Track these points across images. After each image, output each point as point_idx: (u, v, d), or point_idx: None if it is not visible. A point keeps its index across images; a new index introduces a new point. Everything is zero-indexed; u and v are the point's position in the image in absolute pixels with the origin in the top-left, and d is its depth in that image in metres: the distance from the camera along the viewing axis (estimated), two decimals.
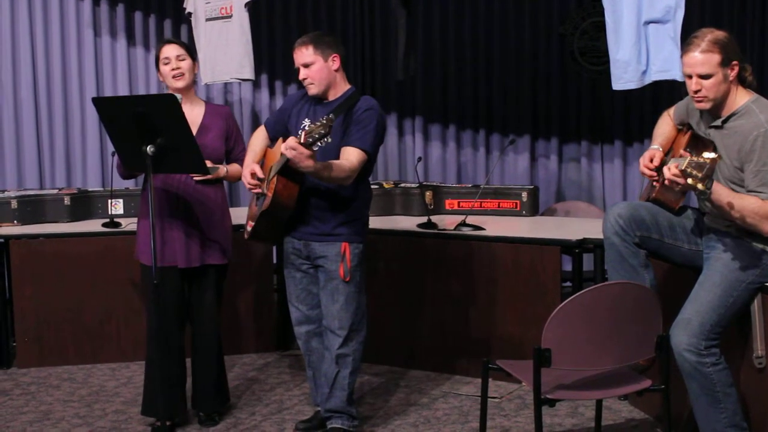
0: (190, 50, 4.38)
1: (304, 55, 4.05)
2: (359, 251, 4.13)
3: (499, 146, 7.19)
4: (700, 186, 3.13)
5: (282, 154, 3.83)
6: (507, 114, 7.22)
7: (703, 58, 3.45)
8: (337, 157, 3.95)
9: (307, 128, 3.72)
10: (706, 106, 3.54)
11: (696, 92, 3.51)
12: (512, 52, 7.16)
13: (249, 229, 4.22)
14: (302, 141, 3.67)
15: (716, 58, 3.44)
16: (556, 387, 3.44)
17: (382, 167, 7.20)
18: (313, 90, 4.08)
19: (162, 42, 4.43)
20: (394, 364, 5.37)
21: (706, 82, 3.47)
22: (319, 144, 3.75)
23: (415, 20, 6.92)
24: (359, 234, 4.14)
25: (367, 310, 4.23)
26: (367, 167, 4.07)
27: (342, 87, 4.13)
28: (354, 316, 4.13)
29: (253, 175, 4.04)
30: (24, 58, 6.51)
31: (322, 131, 3.64)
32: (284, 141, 3.86)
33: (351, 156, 3.94)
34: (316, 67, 4.04)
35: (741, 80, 3.56)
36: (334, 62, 4.07)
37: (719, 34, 3.48)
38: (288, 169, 3.88)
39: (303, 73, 4.07)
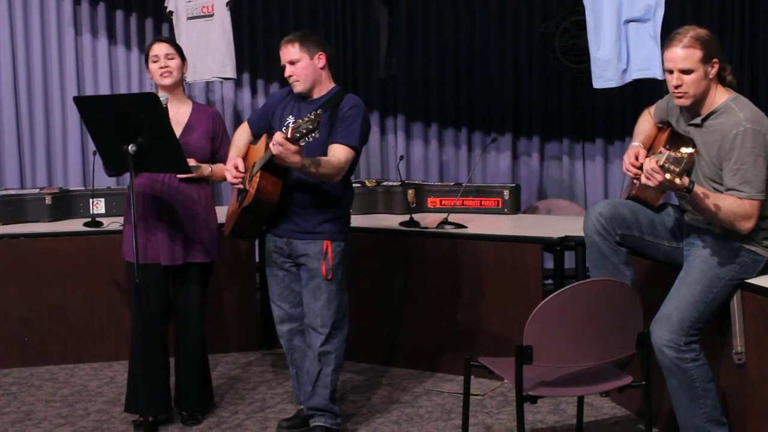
0: (180, 50, 4.38)
1: (291, 52, 4.06)
2: (341, 249, 4.13)
3: (481, 144, 7.21)
4: (678, 181, 3.16)
5: (266, 150, 3.83)
6: (489, 112, 7.23)
7: (684, 53, 3.47)
8: (324, 155, 3.96)
9: (293, 123, 3.72)
10: (686, 102, 3.56)
11: (676, 87, 3.53)
12: (494, 50, 7.18)
13: (230, 225, 4.22)
14: (289, 136, 3.67)
15: (698, 54, 3.47)
16: (538, 384, 3.45)
17: (365, 165, 7.20)
18: (298, 87, 4.09)
19: (153, 40, 4.43)
20: (376, 362, 5.38)
21: (687, 78, 3.49)
22: (307, 139, 3.75)
23: (397, 18, 6.93)
24: (342, 232, 4.15)
25: (349, 308, 4.24)
26: (352, 165, 4.08)
27: (327, 85, 4.14)
28: (336, 314, 4.14)
29: (236, 168, 4.04)
30: (4, 57, 6.47)
31: (310, 126, 3.64)
32: (268, 138, 3.85)
33: (338, 153, 3.95)
34: (302, 65, 4.06)
35: (721, 79, 3.59)
36: (320, 60, 4.08)
37: (701, 31, 3.51)
38: (272, 165, 3.88)
39: (289, 70, 4.08)
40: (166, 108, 4.09)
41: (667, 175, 3.16)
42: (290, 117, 4.09)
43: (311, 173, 3.87)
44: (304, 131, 3.64)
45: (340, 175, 3.97)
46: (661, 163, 3.18)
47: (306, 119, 3.65)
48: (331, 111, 4.02)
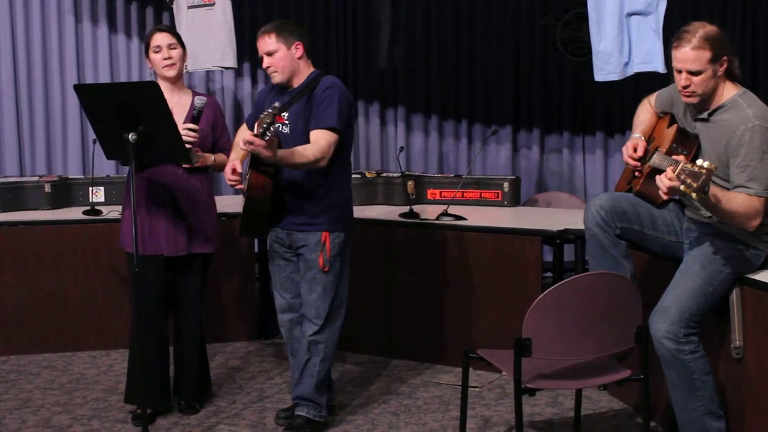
0: (181, 39, 4.37)
1: (267, 43, 4.05)
2: (340, 240, 4.12)
3: (481, 136, 7.20)
4: (694, 195, 3.15)
5: None
6: (489, 104, 7.22)
7: (694, 54, 3.43)
8: (308, 143, 3.95)
9: (260, 119, 3.74)
10: (694, 100, 3.55)
11: (685, 87, 3.51)
12: (495, 42, 7.16)
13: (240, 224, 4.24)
14: (256, 132, 3.69)
15: (707, 55, 3.43)
16: (536, 376, 3.46)
17: (364, 157, 7.20)
18: (277, 78, 4.08)
19: (153, 29, 4.39)
20: (374, 353, 5.39)
21: (695, 78, 3.47)
22: (269, 132, 3.71)
23: (398, 9, 6.91)
24: (341, 222, 4.13)
25: (346, 300, 4.23)
26: (341, 150, 4.06)
27: (306, 73, 4.12)
28: (331, 306, 4.14)
29: (234, 170, 4.04)
30: (4, 45, 6.45)
31: (268, 120, 3.66)
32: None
33: (318, 137, 3.94)
34: (279, 56, 4.04)
35: (728, 74, 3.57)
36: (298, 50, 4.06)
37: (710, 29, 3.47)
38: (257, 162, 3.90)
39: (266, 62, 4.07)
40: (200, 111, 4.11)
41: (682, 187, 3.15)
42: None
43: (291, 164, 3.88)
44: (265, 125, 3.67)
45: (325, 160, 3.94)
46: (677, 172, 3.16)
47: (266, 113, 3.67)
48: (308, 97, 4.02)
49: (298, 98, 4.03)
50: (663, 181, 3.23)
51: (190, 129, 4.09)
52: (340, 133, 4.00)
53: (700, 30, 3.46)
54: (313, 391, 4.20)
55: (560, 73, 7.21)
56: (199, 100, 4.14)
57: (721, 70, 3.49)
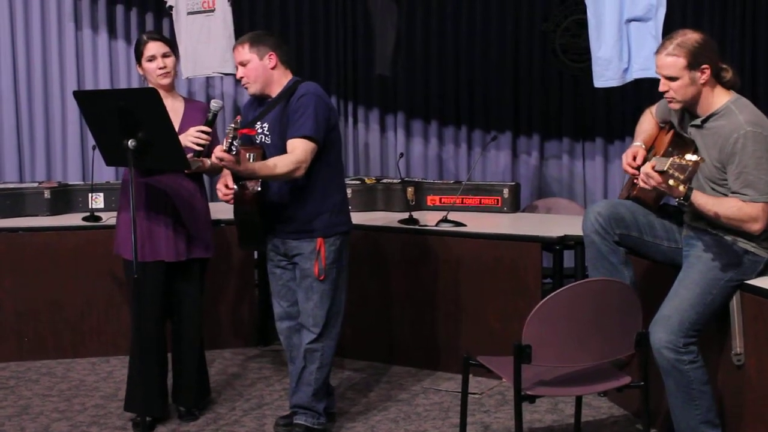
0: (173, 46, 4.37)
1: (241, 53, 4.07)
2: (335, 248, 4.10)
3: (480, 142, 7.20)
4: (681, 188, 3.16)
5: None
6: (489, 110, 7.22)
7: (669, 61, 3.51)
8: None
9: (226, 134, 3.78)
10: (676, 106, 3.62)
11: (665, 93, 3.59)
12: (494, 48, 7.17)
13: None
14: (225, 148, 3.71)
15: (681, 61, 3.49)
16: (536, 383, 3.45)
17: (364, 163, 7.20)
18: (251, 89, 4.10)
19: (145, 38, 4.35)
20: (374, 360, 5.38)
21: (673, 84, 3.53)
22: (234, 146, 3.73)
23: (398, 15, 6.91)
24: (335, 225, 4.11)
25: (343, 307, 4.22)
26: (330, 154, 4.05)
27: (282, 82, 4.11)
28: (328, 313, 4.12)
29: (227, 185, 4.03)
30: (4, 51, 6.45)
31: (231, 135, 3.70)
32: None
33: (294, 146, 3.92)
34: (252, 66, 4.05)
35: (720, 80, 3.58)
36: (271, 60, 4.06)
37: (690, 37, 3.51)
38: (238, 177, 3.91)
39: (240, 72, 4.09)
40: (215, 115, 4.07)
41: (671, 182, 3.17)
42: (258, 123, 4.10)
43: (267, 176, 3.88)
44: (230, 139, 3.70)
45: (302, 169, 3.91)
46: (665, 168, 3.18)
47: (228, 128, 3.71)
48: (284, 104, 4.02)
49: (274, 107, 4.03)
50: (647, 172, 3.26)
51: (203, 131, 4.04)
52: (317, 141, 3.96)
53: (679, 38, 3.53)
54: (311, 400, 4.19)
55: (560, 79, 7.22)
56: (216, 104, 4.05)
57: (703, 77, 3.51)
